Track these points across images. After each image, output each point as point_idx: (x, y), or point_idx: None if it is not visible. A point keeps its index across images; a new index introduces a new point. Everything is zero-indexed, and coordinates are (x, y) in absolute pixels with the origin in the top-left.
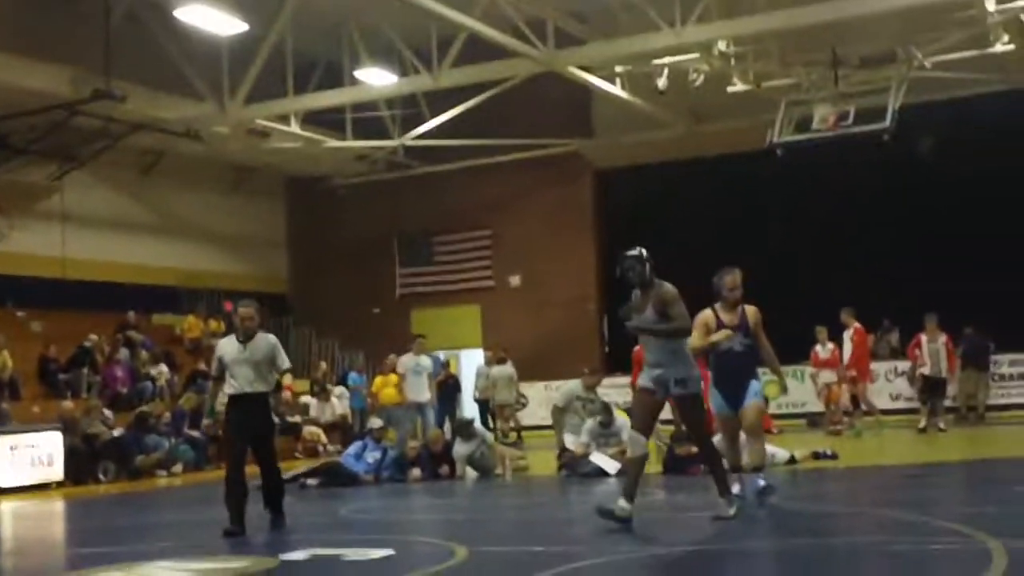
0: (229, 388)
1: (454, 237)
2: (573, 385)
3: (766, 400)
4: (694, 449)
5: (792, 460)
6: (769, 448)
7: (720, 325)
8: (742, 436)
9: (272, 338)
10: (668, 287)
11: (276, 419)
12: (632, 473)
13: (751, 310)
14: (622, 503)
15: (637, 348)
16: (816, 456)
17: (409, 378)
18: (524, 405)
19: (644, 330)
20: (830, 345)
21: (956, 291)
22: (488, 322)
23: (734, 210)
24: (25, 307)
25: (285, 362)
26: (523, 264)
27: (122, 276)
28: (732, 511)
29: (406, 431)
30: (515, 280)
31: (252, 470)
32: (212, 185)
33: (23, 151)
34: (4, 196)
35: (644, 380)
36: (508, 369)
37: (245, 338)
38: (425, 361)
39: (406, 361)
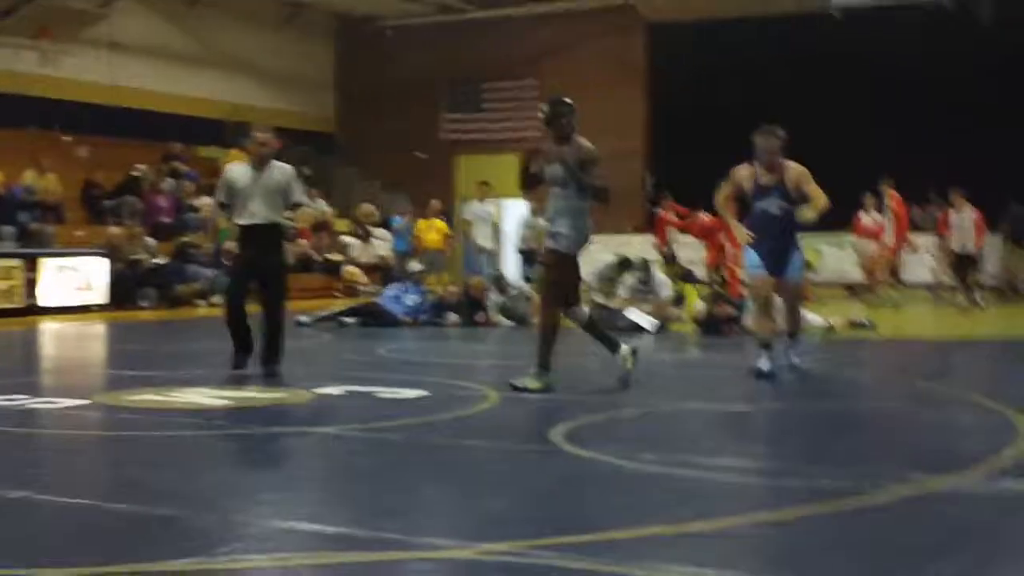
0: (239, 218)
1: (502, 85)
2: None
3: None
4: (731, 310)
5: (829, 328)
6: (807, 315)
7: (756, 183)
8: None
9: (289, 168)
10: (590, 145)
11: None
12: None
13: (794, 170)
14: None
15: (660, 213)
16: (853, 325)
17: (476, 224)
18: None
19: (573, 174)
20: (875, 214)
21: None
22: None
23: (790, 73)
24: (71, 132)
25: (298, 195)
26: None
27: (168, 106)
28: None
29: (486, 275)
30: None
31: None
32: (261, 20)
33: None
34: (53, 21)
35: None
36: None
37: (259, 164)
38: (490, 207)
39: (474, 208)
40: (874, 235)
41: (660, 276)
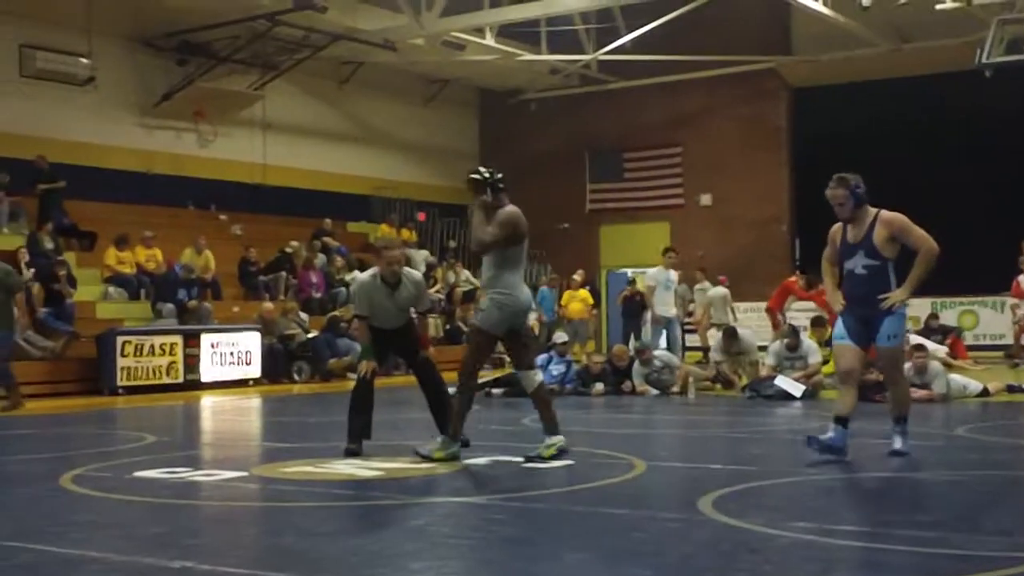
0: (374, 321)
1: (645, 154)
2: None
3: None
4: (879, 376)
5: (985, 392)
6: (961, 379)
7: (843, 241)
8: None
9: (417, 278)
10: (508, 209)
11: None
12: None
13: (887, 220)
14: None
15: (792, 279)
16: (1011, 389)
17: (658, 292)
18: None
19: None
20: None
21: None
22: (677, 240)
23: (935, 133)
24: (227, 211)
25: (426, 304)
26: (714, 182)
27: (318, 184)
28: (436, 453)
29: (657, 344)
30: (706, 198)
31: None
32: (407, 96)
33: (227, 59)
34: (208, 104)
35: None
36: (723, 290)
37: (392, 281)
38: (674, 275)
39: (655, 274)
40: None
41: (809, 342)
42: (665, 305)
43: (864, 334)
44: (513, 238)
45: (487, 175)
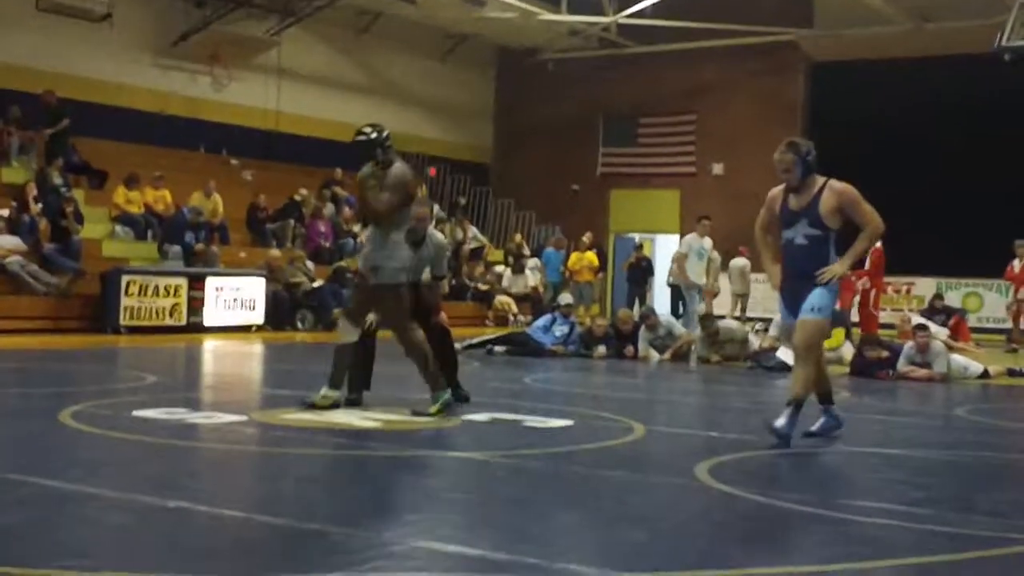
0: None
1: (659, 120)
2: None
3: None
4: (884, 353)
5: (985, 374)
6: (962, 360)
7: (784, 208)
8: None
9: (440, 240)
10: (398, 170)
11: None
12: (336, 359)
13: (837, 190)
14: (323, 391)
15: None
16: (1012, 373)
17: (691, 259)
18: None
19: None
20: None
21: None
22: (686, 208)
23: (954, 114)
24: (238, 156)
25: (443, 268)
26: (727, 153)
27: (331, 133)
28: (432, 408)
29: (691, 311)
30: (718, 168)
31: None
32: (424, 51)
33: (245, 3)
34: (224, 48)
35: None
36: (742, 260)
37: (417, 240)
38: (708, 243)
39: (690, 241)
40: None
41: None
42: (697, 273)
43: (796, 308)
44: (405, 199)
45: (374, 135)
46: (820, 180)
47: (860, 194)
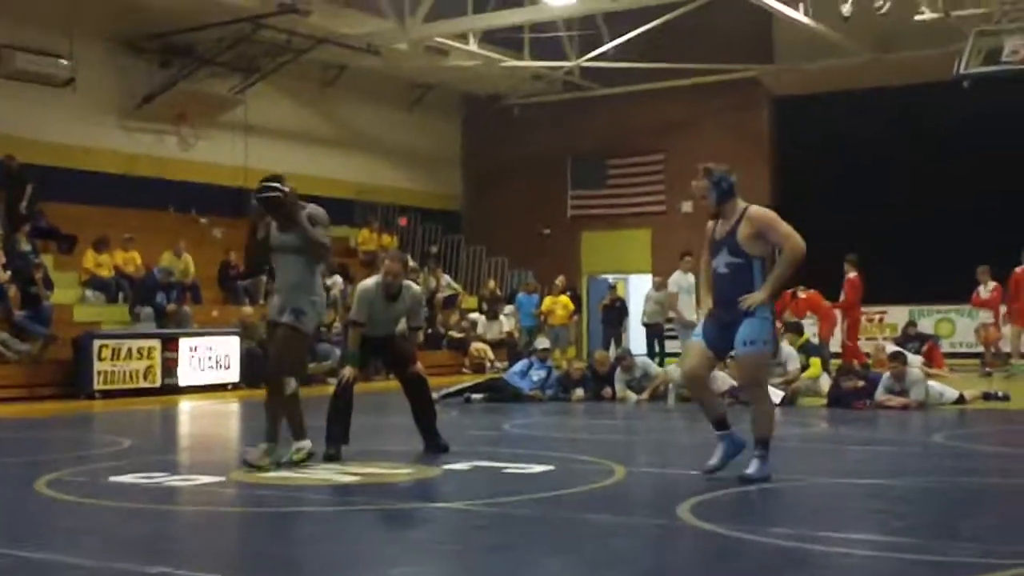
0: (364, 329)
1: (627, 160)
2: None
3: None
4: (860, 383)
5: (961, 399)
6: (937, 387)
7: (711, 238)
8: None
9: (416, 292)
10: (316, 208)
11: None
12: (268, 413)
13: (752, 216)
14: (261, 445)
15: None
16: (987, 397)
17: (682, 297)
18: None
19: (307, 235)
20: (992, 285)
21: None
22: (658, 247)
23: (917, 143)
24: (207, 214)
25: (419, 320)
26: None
27: (300, 188)
28: (295, 456)
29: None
30: (687, 206)
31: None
32: (390, 101)
33: (209, 62)
34: (190, 107)
35: (271, 310)
36: None
37: (390, 294)
38: (692, 279)
39: (678, 279)
40: (990, 306)
41: (788, 348)
42: (691, 310)
43: (722, 338)
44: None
45: (285, 188)
46: (741, 207)
47: (777, 216)
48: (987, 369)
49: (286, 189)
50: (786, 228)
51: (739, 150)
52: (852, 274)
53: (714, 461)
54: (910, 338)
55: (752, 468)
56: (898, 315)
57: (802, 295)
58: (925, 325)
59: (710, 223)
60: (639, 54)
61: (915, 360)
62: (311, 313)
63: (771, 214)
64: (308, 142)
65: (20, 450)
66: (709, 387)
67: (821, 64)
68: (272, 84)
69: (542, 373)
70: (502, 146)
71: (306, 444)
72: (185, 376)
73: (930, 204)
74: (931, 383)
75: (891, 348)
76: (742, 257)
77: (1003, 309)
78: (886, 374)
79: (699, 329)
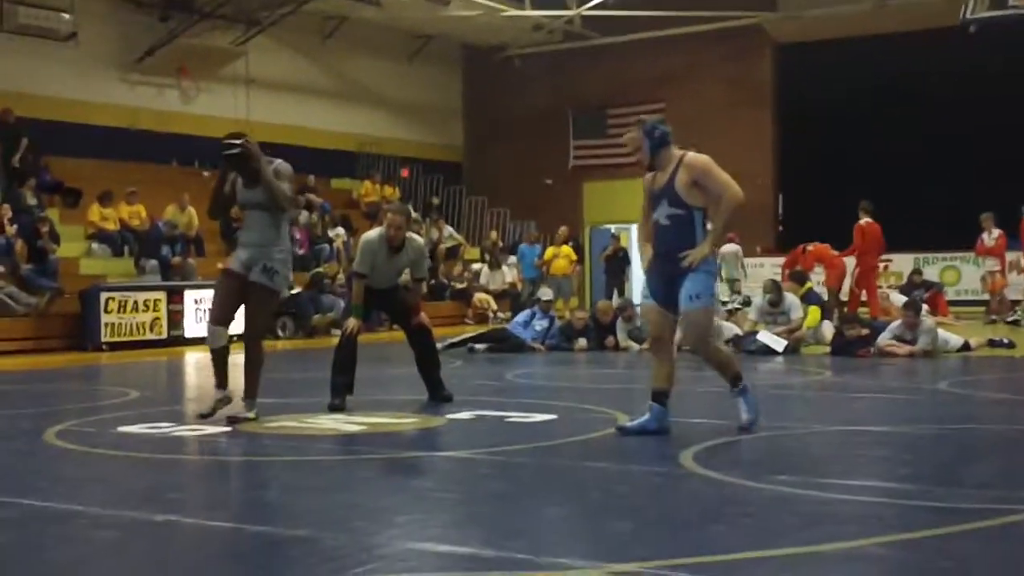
0: (368, 281)
1: (629, 110)
2: None
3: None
4: (864, 331)
5: (966, 347)
6: (943, 334)
7: (650, 188)
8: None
9: (419, 245)
10: (282, 163)
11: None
12: (214, 363)
13: (689, 163)
14: (216, 393)
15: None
16: (992, 344)
17: (725, 254)
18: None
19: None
20: (996, 232)
21: None
22: None
23: (921, 90)
24: (210, 167)
25: (422, 271)
26: (697, 139)
27: (302, 140)
28: (251, 414)
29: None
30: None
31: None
32: (391, 52)
33: (209, 15)
34: (191, 60)
35: (233, 261)
36: (733, 247)
37: (394, 246)
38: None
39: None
40: (995, 253)
41: (791, 298)
42: (731, 266)
43: (671, 293)
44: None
45: (250, 144)
46: (677, 155)
47: (714, 163)
48: (992, 316)
49: (250, 145)
50: (724, 177)
51: (741, 99)
52: (863, 220)
53: (634, 423)
54: (915, 286)
55: (744, 414)
56: (903, 263)
57: (810, 248)
58: (930, 273)
59: (648, 175)
60: (640, 2)
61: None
62: (282, 271)
63: (708, 160)
64: (309, 94)
65: (29, 402)
66: (671, 349)
67: (824, 11)
68: (272, 36)
69: (545, 323)
70: (503, 97)
71: (255, 413)
72: (191, 328)
73: (935, 152)
74: (938, 330)
75: (896, 297)
76: (683, 208)
77: (1010, 256)
78: (896, 322)
79: (646, 290)
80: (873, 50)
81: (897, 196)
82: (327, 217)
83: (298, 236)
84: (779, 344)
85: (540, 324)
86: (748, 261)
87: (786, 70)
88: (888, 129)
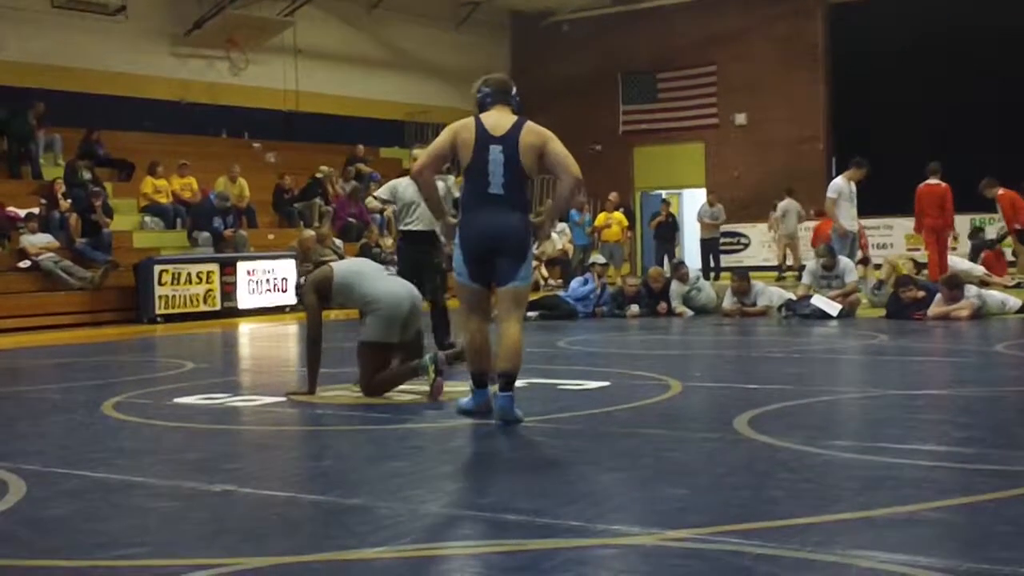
0: (402, 224)
1: (679, 73)
2: None
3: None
4: (920, 293)
5: None
6: (999, 295)
7: (474, 153)
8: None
9: (450, 181)
10: None
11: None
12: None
13: (530, 133)
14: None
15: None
16: None
17: (842, 204)
18: None
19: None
20: None
21: None
22: (711, 161)
23: (978, 45)
24: (260, 138)
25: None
26: (749, 102)
27: (351, 110)
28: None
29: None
30: (740, 118)
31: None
32: (438, 20)
33: None
34: (239, 32)
35: None
36: (795, 203)
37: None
38: (852, 186)
39: (839, 186)
40: None
41: (846, 261)
42: (850, 218)
43: (483, 272)
44: None
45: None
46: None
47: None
48: None
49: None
50: (563, 152)
51: (792, 59)
52: (932, 180)
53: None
54: (978, 246)
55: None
56: (961, 224)
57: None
58: (989, 233)
59: (466, 122)
60: None
61: (976, 269)
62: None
63: (547, 133)
64: (357, 64)
65: (86, 375)
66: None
67: None
68: (319, 6)
69: (597, 290)
70: (551, 63)
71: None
72: (244, 299)
73: (993, 110)
74: (992, 292)
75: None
76: (518, 175)
77: None
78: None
79: (461, 265)
80: (930, 5)
81: (956, 157)
82: (377, 187)
83: (352, 209)
84: (833, 308)
85: (592, 291)
86: (805, 224)
87: (838, 29)
88: (947, 88)
